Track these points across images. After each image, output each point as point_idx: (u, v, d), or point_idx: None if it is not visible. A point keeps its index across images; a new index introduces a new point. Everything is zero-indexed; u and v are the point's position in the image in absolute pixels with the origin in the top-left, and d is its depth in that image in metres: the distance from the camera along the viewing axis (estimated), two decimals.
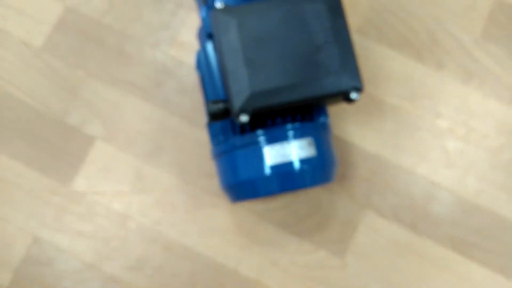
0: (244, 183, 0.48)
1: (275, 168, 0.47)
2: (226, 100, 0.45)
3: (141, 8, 0.66)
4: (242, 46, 0.44)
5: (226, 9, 0.45)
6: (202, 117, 0.63)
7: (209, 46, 0.51)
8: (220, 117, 0.45)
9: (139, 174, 0.61)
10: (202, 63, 0.53)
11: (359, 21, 0.66)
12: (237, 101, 0.43)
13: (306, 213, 0.61)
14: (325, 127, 0.50)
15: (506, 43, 0.65)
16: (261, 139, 0.47)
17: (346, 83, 0.44)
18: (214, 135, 0.53)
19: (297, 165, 0.47)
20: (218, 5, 0.45)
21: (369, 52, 0.65)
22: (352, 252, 0.60)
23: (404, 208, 0.61)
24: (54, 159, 0.62)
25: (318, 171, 0.48)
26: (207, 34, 0.51)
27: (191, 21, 0.65)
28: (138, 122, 0.63)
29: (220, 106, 0.45)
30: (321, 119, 0.50)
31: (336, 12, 0.45)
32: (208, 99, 0.51)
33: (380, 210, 0.61)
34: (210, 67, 0.51)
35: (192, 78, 0.64)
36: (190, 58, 0.64)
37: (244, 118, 0.43)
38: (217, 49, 0.45)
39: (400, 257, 0.60)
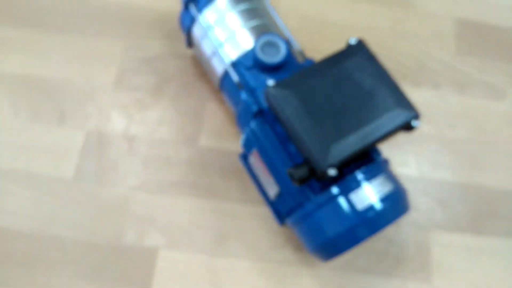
0: (340, 236, 0.49)
1: (365, 213, 0.49)
2: (305, 162, 0.48)
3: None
4: (305, 110, 0.48)
5: (279, 84, 0.49)
6: (252, 194, 0.64)
7: (255, 124, 0.54)
8: (306, 179, 0.47)
9: (213, 269, 0.60)
10: (253, 142, 0.55)
11: None
12: (323, 158, 0.46)
13: (381, 251, 0.62)
14: (386, 162, 0.54)
15: (479, 51, 0.75)
16: (339, 191, 0.49)
17: (406, 115, 0.48)
18: (283, 203, 0.55)
19: (382, 204, 0.49)
20: (271, 83, 0.49)
21: None
22: (437, 274, 0.62)
23: (462, 215, 0.65)
24: (124, 284, 0.59)
25: (400, 202, 0.51)
26: (253, 113, 0.54)
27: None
28: (193, 218, 0.63)
29: (305, 169, 0.47)
30: (380, 156, 0.54)
31: (371, 59, 0.50)
32: (279, 169, 0.53)
33: (442, 225, 0.64)
34: (267, 141, 0.54)
35: (231, 163, 0.66)
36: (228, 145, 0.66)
37: (332, 172, 0.46)
38: (282, 119, 0.48)
39: (477, 260, 0.62)
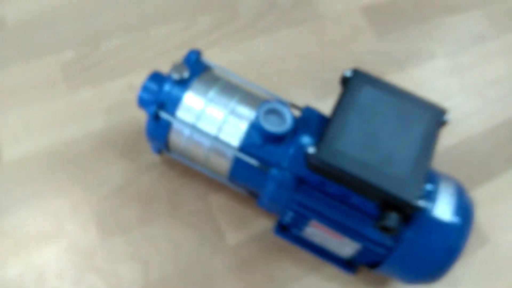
0: (448, 252, 0.48)
1: (457, 220, 0.48)
2: (387, 209, 0.45)
3: None
4: (359, 158, 0.45)
5: (320, 146, 0.45)
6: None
7: (300, 196, 0.50)
8: (400, 225, 0.44)
9: None
10: (306, 213, 0.51)
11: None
12: (409, 194, 0.44)
13: None
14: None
15: (395, 27, 0.81)
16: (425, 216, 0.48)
17: (439, 114, 0.49)
18: (366, 256, 0.52)
19: (460, 205, 0.50)
20: (311, 150, 0.45)
21: None
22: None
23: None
24: None
25: (466, 195, 0.52)
26: (292, 186, 0.50)
27: None
28: None
29: (395, 216, 0.44)
30: None
31: (376, 82, 0.50)
32: (356, 227, 0.49)
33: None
34: (326, 206, 0.50)
35: (269, 245, 0.60)
36: None
37: (422, 203, 0.44)
38: (342, 176, 0.45)
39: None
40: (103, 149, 0.63)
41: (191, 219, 0.60)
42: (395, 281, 0.58)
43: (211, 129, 0.53)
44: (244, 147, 0.52)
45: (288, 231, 0.60)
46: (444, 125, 0.50)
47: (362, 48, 0.78)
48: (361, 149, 0.46)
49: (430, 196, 0.49)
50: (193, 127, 0.52)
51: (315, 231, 0.53)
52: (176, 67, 0.53)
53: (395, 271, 0.52)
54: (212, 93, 0.53)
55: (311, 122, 0.53)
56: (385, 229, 0.45)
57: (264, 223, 0.61)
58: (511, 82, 0.79)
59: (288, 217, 0.53)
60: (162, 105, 0.53)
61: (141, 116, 0.66)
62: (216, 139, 0.52)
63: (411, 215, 0.46)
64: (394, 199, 0.44)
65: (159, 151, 0.60)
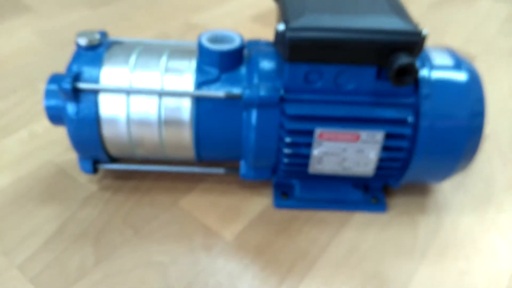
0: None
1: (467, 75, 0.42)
2: (391, 52, 0.37)
3: None
4: (340, 24, 0.38)
5: (292, 22, 0.37)
6: None
7: (285, 117, 0.40)
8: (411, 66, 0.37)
9: None
10: (310, 123, 0.40)
11: None
12: (406, 26, 0.37)
13: None
14: None
15: None
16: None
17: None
18: (390, 163, 0.41)
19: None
20: (281, 27, 0.37)
21: None
22: None
23: None
24: None
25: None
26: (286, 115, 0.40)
27: None
28: None
29: (402, 54, 0.37)
30: None
31: None
32: (373, 106, 0.39)
33: None
34: (325, 108, 0.40)
35: (276, 217, 0.45)
36: None
37: (425, 31, 0.37)
38: (327, 39, 0.37)
39: None
40: (17, 203, 0.46)
41: (168, 231, 0.44)
42: (430, 217, 0.47)
43: (150, 97, 0.41)
44: (200, 86, 0.41)
45: (290, 196, 0.47)
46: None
47: None
48: (331, 17, 0.39)
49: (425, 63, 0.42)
50: (128, 96, 0.41)
51: (325, 148, 0.41)
52: (82, 34, 0.43)
53: (426, 164, 0.42)
54: (133, 60, 0.43)
55: (260, 46, 0.45)
56: (402, 71, 0.36)
57: (258, 204, 0.47)
58: None
59: (287, 155, 0.42)
60: (77, 79, 0.41)
61: (57, 157, 0.51)
62: (162, 102, 0.41)
63: (415, 63, 0.38)
64: (394, 38, 0.37)
65: (93, 168, 0.45)
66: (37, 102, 0.59)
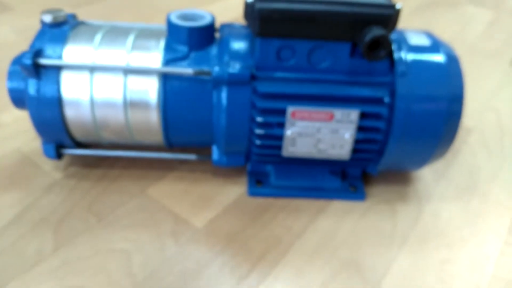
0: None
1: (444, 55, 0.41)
2: (363, 25, 0.36)
3: None
4: None
5: None
6: None
7: (248, 91, 0.38)
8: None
9: None
10: (280, 102, 0.38)
11: None
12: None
13: None
14: None
15: None
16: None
17: None
18: (368, 132, 0.40)
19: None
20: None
21: None
22: None
23: None
24: None
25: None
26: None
27: None
28: None
29: (375, 27, 0.35)
30: None
31: None
32: (348, 85, 0.38)
33: None
34: (294, 86, 0.38)
35: (245, 203, 0.43)
36: None
37: (398, 4, 0.36)
38: (298, 10, 0.35)
39: None
40: None
41: (133, 219, 0.42)
42: (410, 206, 0.45)
43: (115, 75, 0.40)
44: (167, 63, 0.40)
45: (265, 184, 0.45)
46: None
47: None
48: None
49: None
50: (92, 74, 0.39)
51: (299, 128, 0.39)
52: (48, 11, 0.41)
53: (403, 148, 0.40)
54: (98, 38, 0.41)
55: (234, 28, 0.44)
56: (375, 44, 0.35)
57: (232, 192, 0.45)
58: None
59: (259, 136, 0.40)
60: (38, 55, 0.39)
61: (23, 146, 0.49)
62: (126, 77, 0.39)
63: (388, 35, 0.37)
64: (367, 11, 0.36)
65: (57, 153, 0.43)
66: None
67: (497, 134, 0.57)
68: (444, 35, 0.81)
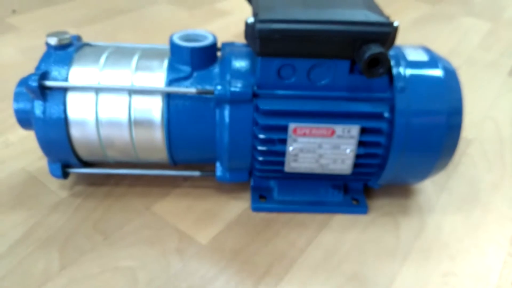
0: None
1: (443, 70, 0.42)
2: (361, 45, 0.37)
3: None
4: (312, 16, 0.38)
5: (262, 15, 0.37)
6: None
7: (251, 109, 0.39)
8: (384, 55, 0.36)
9: None
10: (284, 119, 0.39)
11: None
12: (379, 18, 0.37)
13: None
14: None
15: None
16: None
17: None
18: (369, 147, 0.40)
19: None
20: (250, 19, 0.37)
21: None
22: None
23: None
24: None
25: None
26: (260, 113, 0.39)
27: None
28: None
29: (373, 45, 0.36)
30: None
31: None
32: (348, 101, 0.39)
33: None
34: (297, 104, 0.39)
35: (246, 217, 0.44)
36: None
37: (396, 22, 0.37)
38: (299, 31, 0.36)
39: None
40: None
41: (139, 236, 0.42)
42: (413, 218, 0.46)
43: (120, 95, 0.41)
44: (171, 83, 0.41)
45: (268, 199, 0.46)
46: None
47: None
48: (302, 10, 0.39)
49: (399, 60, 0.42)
50: (97, 95, 0.40)
51: (300, 144, 0.40)
52: (53, 33, 0.42)
53: (404, 161, 0.41)
54: (103, 59, 0.42)
55: (235, 47, 0.45)
56: (374, 62, 0.36)
57: (235, 208, 0.46)
58: None
59: (261, 152, 0.40)
60: (45, 77, 0.40)
61: (29, 166, 0.50)
62: (132, 104, 0.40)
63: (387, 53, 0.38)
64: (365, 29, 0.37)
65: (63, 172, 0.44)
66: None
67: (497, 144, 0.57)
68: (442, 47, 0.82)
